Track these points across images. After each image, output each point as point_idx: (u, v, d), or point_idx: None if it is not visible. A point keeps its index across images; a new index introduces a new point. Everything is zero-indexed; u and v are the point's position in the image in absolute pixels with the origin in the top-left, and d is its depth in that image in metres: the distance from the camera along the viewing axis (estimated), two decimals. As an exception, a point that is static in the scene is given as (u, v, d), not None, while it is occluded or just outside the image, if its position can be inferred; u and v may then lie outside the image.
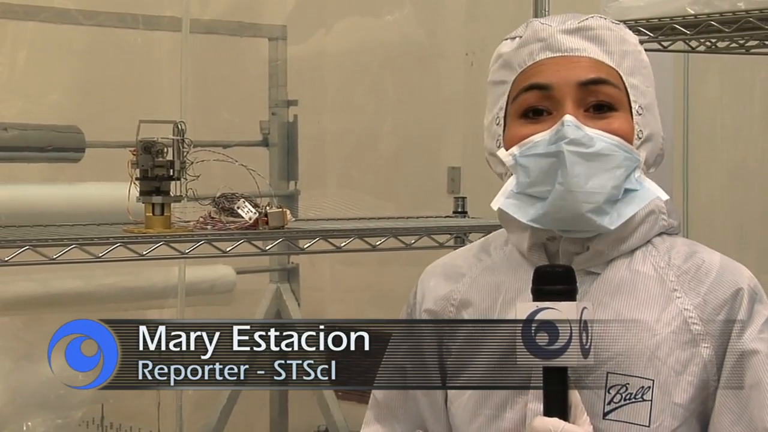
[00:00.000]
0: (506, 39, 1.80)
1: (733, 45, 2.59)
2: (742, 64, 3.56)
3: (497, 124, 1.77)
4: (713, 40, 2.54)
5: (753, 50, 2.62)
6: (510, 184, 1.74)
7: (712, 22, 2.32)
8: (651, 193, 1.73)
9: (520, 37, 1.77)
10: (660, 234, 1.79)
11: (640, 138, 1.73)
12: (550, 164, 1.69)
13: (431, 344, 1.84)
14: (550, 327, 1.61)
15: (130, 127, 2.65)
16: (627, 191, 1.72)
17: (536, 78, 1.73)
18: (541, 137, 1.70)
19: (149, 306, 4.36)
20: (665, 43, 2.52)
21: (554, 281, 1.65)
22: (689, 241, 1.82)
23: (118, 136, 3.49)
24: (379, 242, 2.77)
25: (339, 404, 4.29)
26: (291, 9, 4.80)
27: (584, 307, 1.63)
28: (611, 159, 1.69)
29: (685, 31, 2.38)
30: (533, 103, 1.73)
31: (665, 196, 1.74)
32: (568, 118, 1.69)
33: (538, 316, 1.62)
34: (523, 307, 1.63)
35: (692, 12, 2.37)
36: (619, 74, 1.73)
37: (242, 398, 4.37)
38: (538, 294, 1.65)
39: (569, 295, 1.64)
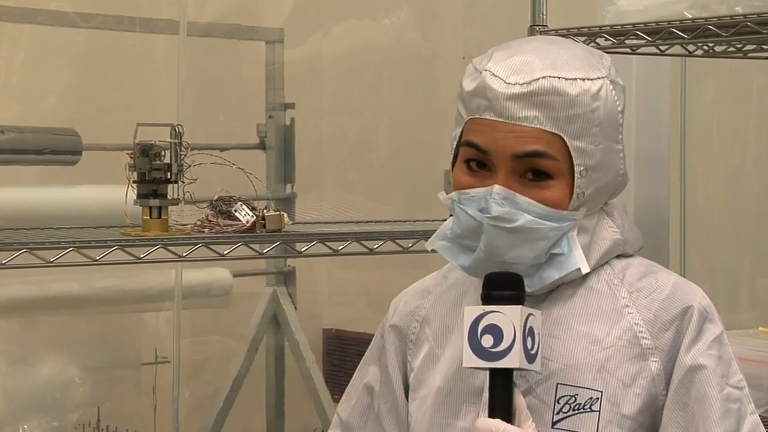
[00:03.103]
0: (472, 66, 1.78)
1: (731, 49, 2.59)
2: (739, 68, 3.56)
3: (451, 151, 1.80)
4: (711, 44, 2.54)
5: (750, 54, 2.62)
6: (446, 226, 1.79)
7: (710, 26, 2.32)
8: (575, 262, 1.75)
9: (480, 73, 1.74)
10: (617, 256, 1.82)
11: (580, 199, 1.74)
12: (476, 226, 1.73)
13: (396, 362, 1.90)
14: (495, 330, 1.66)
15: (127, 129, 2.64)
16: (553, 255, 1.75)
17: (476, 137, 1.73)
18: (475, 193, 1.73)
19: (146, 309, 4.36)
20: (663, 47, 2.52)
21: (502, 286, 1.69)
22: (647, 261, 1.85)
23: (115, 139, 3.49)
24: (376, 246, 2.77)
25: (335, 407, 4.28)
26: (288, 12, 4.80)
27: (530, 313, 1.67)
28: (535, 232, 1.72)
29: (683, 35, 2.38)
30: (472, 158, 1.75)
31: (586, 269, 1.75)
32: (496, 189, 1.71)
33: (484, 320, 1.66)
34: (470, 310, 1.68)
35: (690, 16, 2.36)
36: (564, 139, 1.71)
37: (239, 401, 4.37)
38: (487, 299, 1.69)
39: (517, 300, 1.68)
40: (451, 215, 1.80)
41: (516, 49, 1.76)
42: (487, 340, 1.65)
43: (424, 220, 3.12)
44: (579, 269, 1.75)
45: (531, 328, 1.66)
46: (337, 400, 4.39)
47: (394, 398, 1.89)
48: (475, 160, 1.74)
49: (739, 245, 4.04)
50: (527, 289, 1.74)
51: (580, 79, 1.72)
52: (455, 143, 1.78)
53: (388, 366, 1.90)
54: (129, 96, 4.39)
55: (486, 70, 1.73)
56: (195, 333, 4.54)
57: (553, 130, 1.71)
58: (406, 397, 1.89)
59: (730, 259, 3.96)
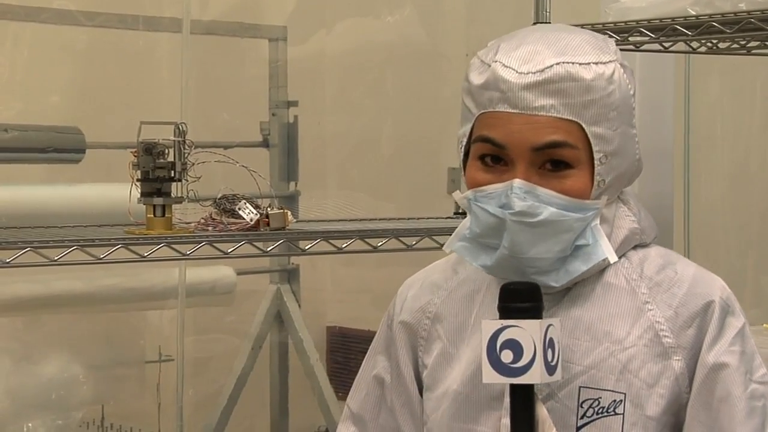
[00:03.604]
0: (477, 59, 1.74)
1: (735, 46, 2.58)
2: (743, 65, 3.56)
3: (461, 149, 1.75)
4: (714, 41, 2.54)
5: (754, 51, 2.61)
6: (464, 226, 1.73)
7: (714, 23, 2.31)
8: (602, 252, 1.71)
9: (487, 67, 1.70)
10: (633, 247, 1.78)
11: (601, 187, 1.70)
12: (498, 224, 1.67)
13: (407, 357, 1.85)
14: (514, 345, 1.61)
15: (130, 128, 2.64)
16: (578, 247, 1.70)
17: (492, 132, 1.68)
18: (493, 189, 1.68)
19: (150, 307, 4.36)
20: (666, 44, 2.51)
21: (519, 299, 1.64)
22: (664, 250, 1.80)
23: (118, 137, 3.49)
24: (380, 243, 2.76)
25: (339, 405, 4.29)
26: (291, 10, 4.80)
27: (550, 325, 1.62)
28: (559, 224, 1.67)
29: (687, 32, 2.37)
30: (488, 154, 1.70)
31: (614, 258, 1.71)
32: (517, 183, 1.66)
33: (503, 334, 1.61)
34: (488, 325, 1.63)
35: (693, 13, 2.36)
36: (582, 126, 1.68)
37: (243, 399, 4.37)
38: (504, 312, 1.64)
39: (534, 312, 1.63)
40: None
41: (523, 39, 1.72)
42: (506, 356, 1.61)
43: (427, 218, 3.12)
44: (606, 259, 1.71)
45: (551, 339, 1.61)
46: (341, 398, 4.41)
47: (407, 393, 1.85)
48: (491, 156, 1.69)
49: (743, 242, 4.04)
50: (553, 284, 1.70)
51: (593, 63, 1.69)
52: (465, 140, 1.74)
53: (400, 361, 1.86)
54: (132, 94, 4.40)
55: (496, 62, 1.69)
56: (199, 331, 4.54)
57: (571, 118, 1.67)
58: (421, 392, 1.85)
59: (734, 256, 3.96)
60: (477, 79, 1.71)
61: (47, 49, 4.27)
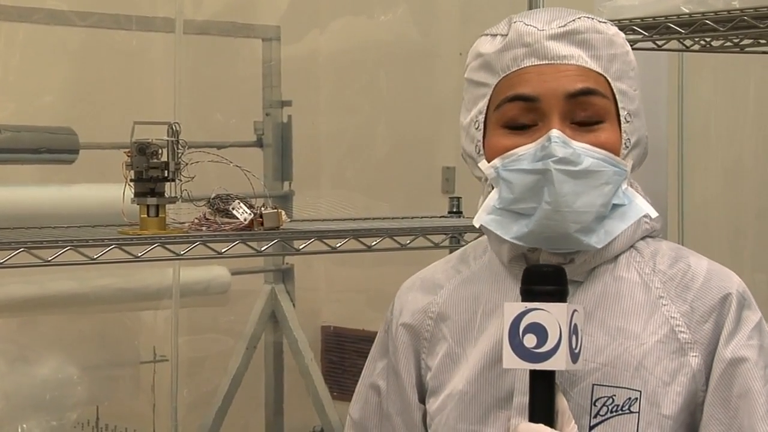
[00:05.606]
0: (486, 35, 1.72)
1: (728, 44, 2.58)
2: (736, 62, 3.56)
3: (476, 129, 1.70)
4: (708, 39, 2.54)
5: (747, 49, 2.61)
6: (492, 198, 1.67)
7: (707, 21, 2.31)
8: (640, 209, 1.67)
9: (503, 35, 1.69)
10: (643, 238, 1.74)
11: (628, 146, 1.68)
12: (536, 181, 1.63)
13: (408, 361, 1.81)
14: (538, 329, 1.56)
15: (124, 128, 2.64)
16: (615, 207, 1.66)
17: (521, 88, 1.66)
18: (525, 150, 1.64)
19: (144, 307, 4.36)
20: (659, 42, 2.51)
21: (544, 281, 1.59)
22: (675, 245, 1.77)
23: (112, 138, 3.49)
24: (374, 243, 2.77)
25: (334, 404, 4.29)
26: (285, 9, 4.81)
27: (575, 310, 1.57)
28: (600, 175, 1.63)
29: (680, 30, 2.38)
30: (517, 115, 1.66)
31: (654, 213, 1.69)
32: (555, 133, 1.62)
33: (526, 317, 1.56)
34: (511, 307, 1.58)
35: (687, 11, 2.36)
36: (607, 80, 1.67)
37: (237, 399, 4.37)
38: (527, 294, 1.59)
39: (560, 296, 1.58)
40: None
41: (534, 11, 1.73)
42: (529, 340, 1.55)
43: (422, 217, 3.12)
44: (646, 216, 1.68)
45: (575, 326, 1.56)
46: (336, 398, 4.41)
47: (404, 400, 1.80)
48: (517, 120, 1.66)
49: (737, 240, 4.04)
50: (594, 245, 1.64)
51: (610, 23, 1.71)
52: (482, 117, 1.69)
53: (399, 366, 1.81)
54: (126, 94, 4.39)
55: (516, 22, 1.68)
56: (193, 331, 4.54)
57: (598, 70, 1.66)
58: (421, 397, 1.80)
59: (728, 254, 3.96)
60: (492, 47, 1.70)
61: (40, 49, 4.26)
